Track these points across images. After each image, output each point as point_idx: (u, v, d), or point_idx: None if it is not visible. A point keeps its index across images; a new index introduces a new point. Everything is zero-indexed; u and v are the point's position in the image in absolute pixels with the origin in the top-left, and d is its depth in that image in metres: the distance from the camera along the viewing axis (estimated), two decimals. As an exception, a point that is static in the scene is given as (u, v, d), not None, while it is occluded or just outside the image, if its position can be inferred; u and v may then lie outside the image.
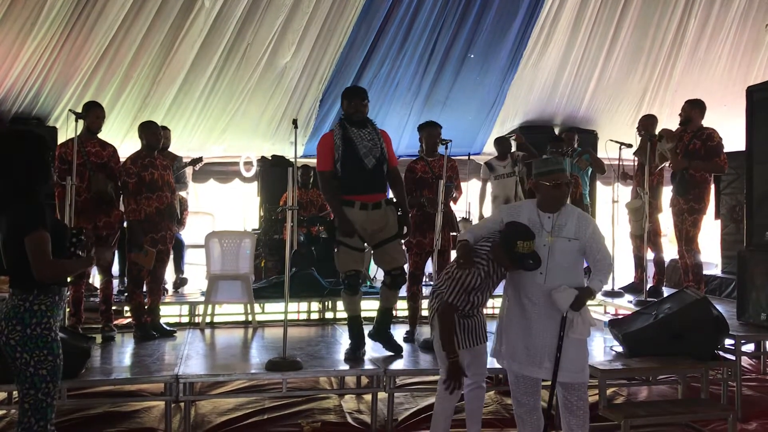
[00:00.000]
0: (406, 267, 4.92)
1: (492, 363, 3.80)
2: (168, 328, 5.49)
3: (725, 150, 6.04)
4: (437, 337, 3.53)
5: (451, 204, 5.60)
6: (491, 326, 3.76)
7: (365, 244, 4.65)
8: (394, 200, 4.73)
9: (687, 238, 6.06)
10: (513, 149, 7.69)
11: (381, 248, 4.61)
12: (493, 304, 6.33)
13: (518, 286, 3.43)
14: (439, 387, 3.60)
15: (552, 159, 3.51)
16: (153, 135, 5.38)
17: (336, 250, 4.62)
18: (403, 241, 4.83)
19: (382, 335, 4.77)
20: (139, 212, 5.20)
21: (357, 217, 4.49)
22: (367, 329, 4.83)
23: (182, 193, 7.29)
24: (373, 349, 4.77)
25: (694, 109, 6.10)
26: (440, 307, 3.48)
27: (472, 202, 7.54)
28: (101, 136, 5.54)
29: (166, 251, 5.45)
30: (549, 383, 3.42)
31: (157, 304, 5.52)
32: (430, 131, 5.44)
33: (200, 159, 7.37)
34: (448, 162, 5.26)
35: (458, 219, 5.99)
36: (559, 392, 3.45)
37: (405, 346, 4.95)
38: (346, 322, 4.87)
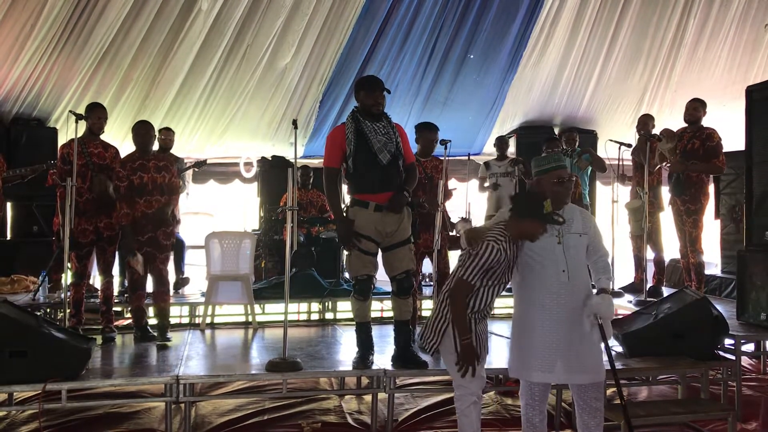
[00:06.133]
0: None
1: (489, 364, 3.74)
2: (156, 336, 5.18)
3: (724, 150, 6.06)
4: (443, 343, 3.39)
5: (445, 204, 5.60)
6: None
7: (377, 247, 4.28)
8: (410, 199, 4.36)
9: (690, 239, 6.10)
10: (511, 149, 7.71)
11: (390, 252, 4.28)
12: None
13: (538, 286, 3.35)
14: (456, 404, 3.45)
15: (552, 156, 3.47)
16: (143, 136, 5.21)
17: (347, 254, 4.37)
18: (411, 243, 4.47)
19: (406, 357, 4.35)
20: (131, 216, 5.09)
21: (371, 219, 4.17)
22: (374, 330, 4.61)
23: (180, 195, 7.30)
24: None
25: (704, 108, 6.13)
26: (452, 284, 3.35)
27: (473, 203, 7.55)
28: (103, 137, 5.52)
29: (158, 254, 5.22)
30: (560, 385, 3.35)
31: (161, 308, 5.30)
32: (426, 135, 5.36)
33: (204, 162, 7.37)
34: (435, 162, 5.28)
35: (458, 219, 6.00)
36: (575, 394, 3.40)
37: None
38: (346, 322, 4.82)
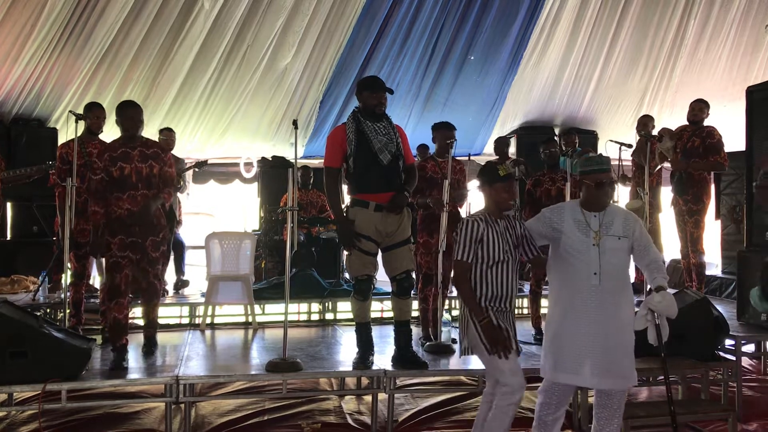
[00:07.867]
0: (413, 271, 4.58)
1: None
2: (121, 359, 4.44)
3: (725, 150, 6.05)
4: (472, 341, 3.33)
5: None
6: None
7: (377, 247, 4.27)
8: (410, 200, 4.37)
9: (692, 239, 6.09)
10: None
11: (390, 252, 4.28)
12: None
13: (568, 287, 3.33)
14: (497, 400, 3.32)
15: (596, 158, 3.44)
16: (129, 119, 4.47)
17: (347, 254, 4.36)
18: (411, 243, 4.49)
19: (406, 357, 4.35)
20: (103, 215, 4.43)
21: (371, 219, 4.17)
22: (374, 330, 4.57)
23: (180, 195, 7.30)
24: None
25: (708, 109, 6.15)
26: (453, 271, 3.38)
27: (473, 203, 7.54)
28: (103, 137, 5.51)
29: (150, 268, 4.58)
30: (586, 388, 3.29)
31: (151, 319, 4.82)
32: (444, 133, 5.22)
33: (205, 162, 7.37)
34: (457, 164, 5.26)
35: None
36: (596, 398, 3.35)
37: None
38: (346, 323, 4.81)
